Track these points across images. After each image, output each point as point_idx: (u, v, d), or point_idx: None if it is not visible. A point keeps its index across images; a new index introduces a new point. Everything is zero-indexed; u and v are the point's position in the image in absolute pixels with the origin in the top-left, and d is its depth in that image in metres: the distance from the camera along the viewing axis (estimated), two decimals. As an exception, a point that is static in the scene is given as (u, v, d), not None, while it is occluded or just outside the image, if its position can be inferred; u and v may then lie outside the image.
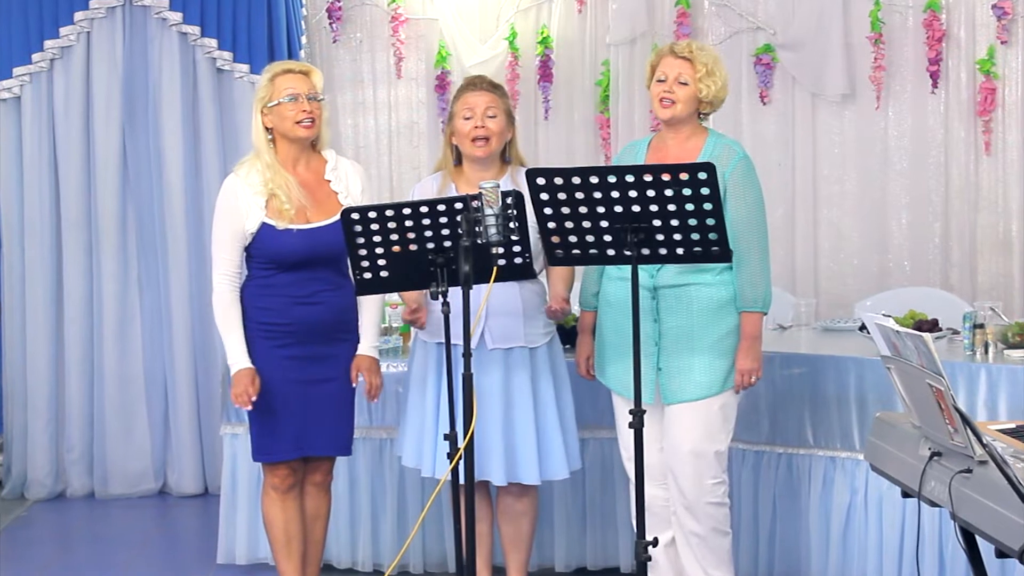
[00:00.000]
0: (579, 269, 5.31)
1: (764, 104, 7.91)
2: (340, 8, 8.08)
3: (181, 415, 7.78)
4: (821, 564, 5.71)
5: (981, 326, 5.59)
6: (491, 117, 5.21)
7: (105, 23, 7.69)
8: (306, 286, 5.08)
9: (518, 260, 4.72)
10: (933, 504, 3.83)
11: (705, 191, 4.38)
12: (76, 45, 7.67)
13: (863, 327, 5.88)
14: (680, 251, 4.51)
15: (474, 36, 8.17)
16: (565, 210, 4.49)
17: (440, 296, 4.60)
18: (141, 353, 7.81)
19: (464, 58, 8.05)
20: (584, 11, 8.13)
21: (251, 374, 5.04)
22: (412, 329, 5.68)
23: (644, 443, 4.71)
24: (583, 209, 4.48)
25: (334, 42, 8.16)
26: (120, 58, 7.70)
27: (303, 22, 7.97)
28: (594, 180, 4.43)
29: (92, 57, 7.70)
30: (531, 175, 4.48)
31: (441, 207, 4.58)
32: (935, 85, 7.59)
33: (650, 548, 4.50)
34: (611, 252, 4.55)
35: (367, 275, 4.71)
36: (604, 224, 4.48)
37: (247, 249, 5.11)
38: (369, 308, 5.21)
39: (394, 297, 5.84)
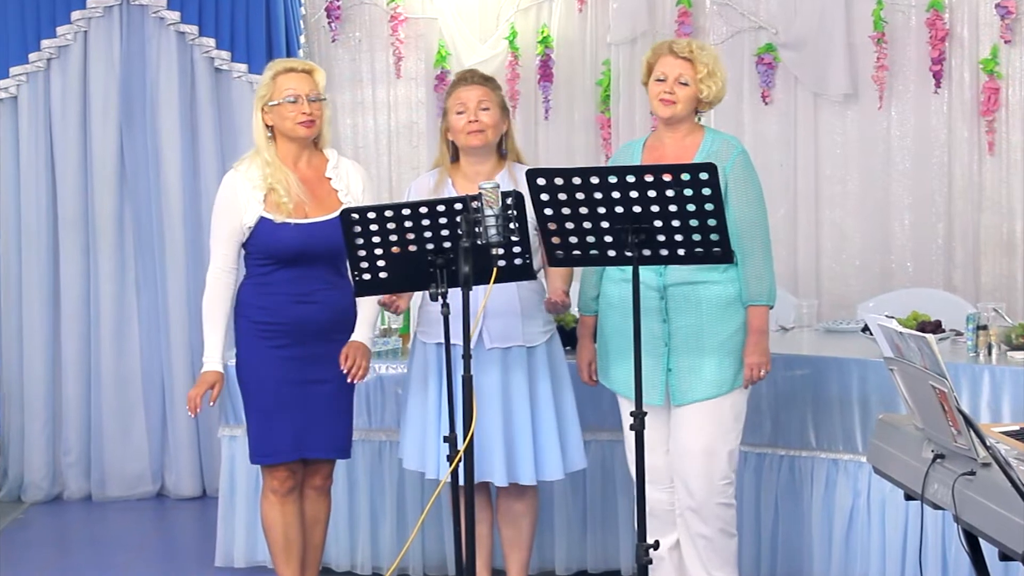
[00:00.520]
0: (577, 270, 5.29)
1: (766, 104, 7.89)
2: (339, 7, 8.06)
3: (179, 417, 7.76)
4: (823, 567, 5.71)
5: (984, 327, 5.59)
6: (484, 110, 5.20)
7: (102, 22, 7.67)
8: (303, 284, 5.07)
9: (518, 261, 4.70)
10: (936, 507, 3.82)
11: (706, 191, 4.37)
12: (73, 44, 7.66)
13: (866, 328, 5.93)
14: (681, 252, 4.50)
15: (474, 35, 8.16)
16: (565, 211, 4.48)
17: (440, 297, 4.59)
18: (139, 354, 7.79)
19: (464, 58, 8.03)
20: (584, 10, 8.13)
21: (215, 378, 5.08)
22: (412, 330, 5.70)
23: (650, 446, 4.77)
24: (583, 210, 4.46)
25: (333, 41, 8.14)
26: (117, 58, 7.69)
27: (302, 21, 7.96)
28: (595, 180, 4.42)
29: (89, 57, 7.69)
30: (531, 175, 4.46)
31: (441, 208, 4.57)
32: (938, 85, 7.57)
33: (651, 551, 4.48)
34: (612, 253, 4.54)
35: (366, 276, 4.69)
36: (605, 225, 4.47)
37: (244, 245, 5.10)
38: (366, 304, 5.19)
39: (392, 298, 5.83)
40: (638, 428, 4.47)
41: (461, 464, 4.51)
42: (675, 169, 4.40)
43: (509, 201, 4.45)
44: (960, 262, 7.65)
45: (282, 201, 5.03)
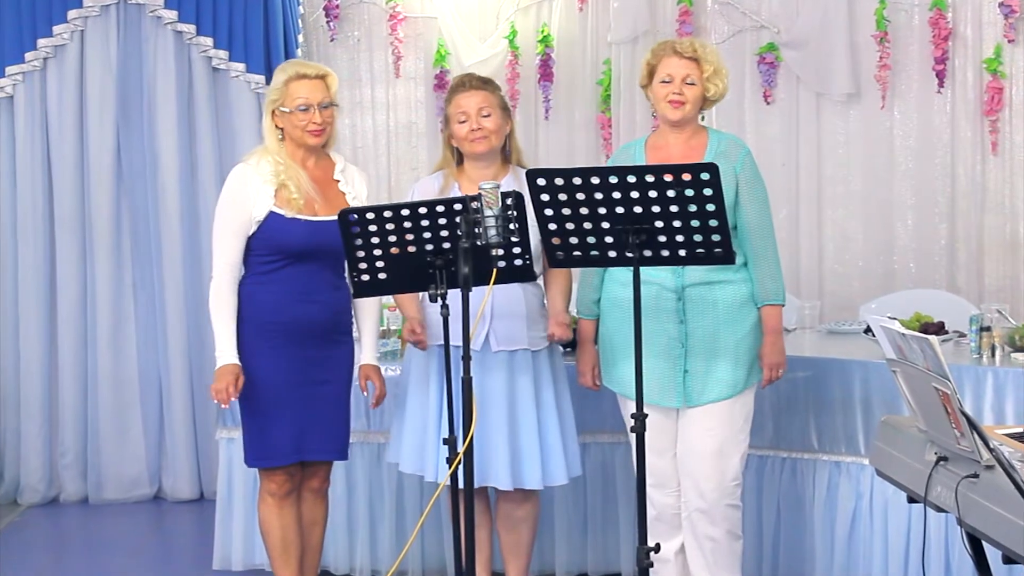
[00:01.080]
0: (576, 273, 5.27)
1: (768, 104, 7.89)
2: (337, 6, 8.05)
3: (176, 419, 7.74)
4: (825, 570, 5.71)
5: (988, 329, 5.58)
6: (486, 116, 5.18)
7: (99, 21, 7.64)
8: (307, 283, 5.04)
9: (518, 262, 4.69)
10: (939, 509, 3.83)
11: (708, 191, 4.36)
12: (70, 44, 7.63)
13: (868, 330, 5.92)
14: (682, 252, 4.49)
15: (473, 35, 8.15)
16: (566, 211, 4.47)
17: (439, 298, 4.58)
18: (136, 356, 7.77)
19: (463, 57, 8.03)
20: (585, 9, 8.12)
21: (236, 371, 4.98)
22: None
23: (659, 450, 4.86)
24: (584, 210, 4.45)
25: (331, 41, 8.13)
26: (114, 57, 7.66)
27: (300, 20, 7.95)
28: (595, 181, 4.40)
29: (86, 56, 7.66)
30: (531, 176, 4.45)
31: (440, 208, 4.56)
32: (941, 84, 7.57)
33: (652, 554, 4.46)
34: (612, 253, 4.52)
35: (365, 277, 4.68)
36: (605, 225, 4.46)
37: (249, 241, 5.06)
38: (369, 314, 5.23)
39: (391, 299, 5.81)
40: (639, 430, 4.46)
41: (461, 467, 4.49)
42: (676, 169, 4.38)
43: (509, 202, 4.43)
44: (963, 263, 7.66)
45: (293, 197, 5.01)
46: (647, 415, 4.47)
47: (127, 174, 7.70)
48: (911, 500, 4.06)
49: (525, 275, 4.77)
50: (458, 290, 4.43)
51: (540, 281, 5.26)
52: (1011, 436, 3.94)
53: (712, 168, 4.34)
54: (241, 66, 7.62)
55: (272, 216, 5.00)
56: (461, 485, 4.55)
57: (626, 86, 7.95)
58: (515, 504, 5.33)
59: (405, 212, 4.56)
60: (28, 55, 7.59)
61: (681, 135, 5.09)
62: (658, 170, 4.39)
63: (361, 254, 4.63)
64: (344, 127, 8.13)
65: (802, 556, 5.74)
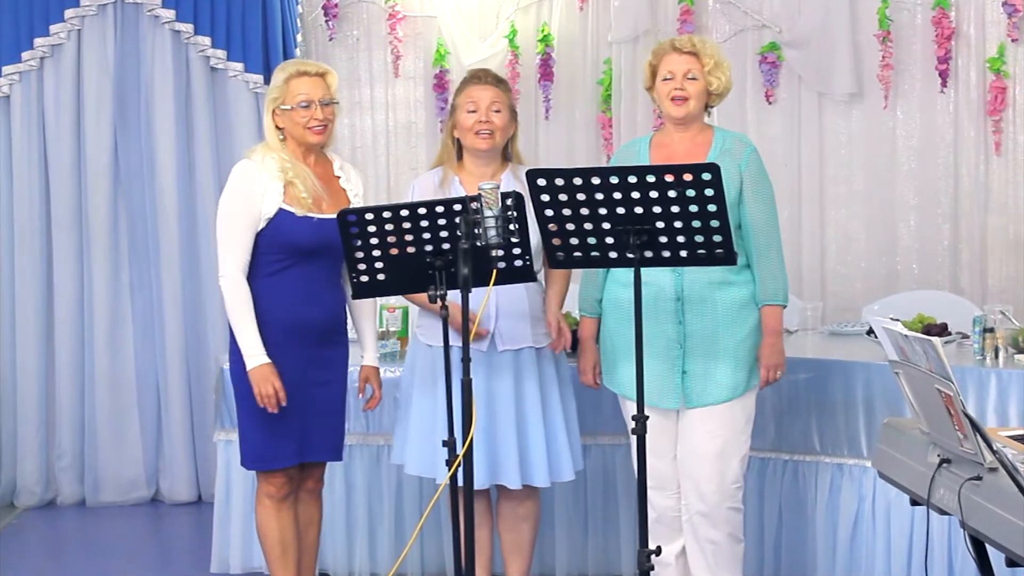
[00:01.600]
0: (576, 272, 5.25)
1: (769, 103, 7.89)
2: (336, 5, 8.04)
3: (174, 421, 7.72)
4: (827, 573, 5.71)
5: (991, 330, 5.59)
6: (496, 112, 5.18)
7: (96, 21, 7.62)
8: (308, 283, 5.02)
9: (518, 263, 4.67)
10: (942, 512, 3.83)
11: (709, 192, 4.35)
12: (67, 43, 7.61)
13: (871, 331, 5.93)
14: (683, 254, 4.48)
15: (473, 34, 8.15)
16: (566, 211, 4.46)
17: (439, 299, 4.57)
18: (133, 357, 7.75)
19: (463, 56, 8.02)
20: (585, 8, 8.11)
21: (272, 370, 4.93)
22: (411, 333, 5.70)
23: (659, 452, 4.85)
24: (584, 210, 4.44)
25: (330, 40, 8.11)
26: (112, 57, 7.64)
27: (299, 20, 7.93)
28: (596, 181, 4.39)
29: (83, 55, 7.64)
30: (531, 176, 4.44)
31: (440, 209, 4.54)
32: (944, 84, 7.57)
33: (653, 556, 4.45)
34: (613, 254, 4.52)
35: (364, 278, 4.67)
36: (606, 226, 4.45)
37: (255, 239, 5.00)
38: (367, 316, 5.22)
39: (390, 300, 5.79)
40: (640, 432, 4.44)
41: (461, 468, 4.48)
42: (677, 169, 4.37)
43: (509, 202, 4.42)
44: (966, 264, 7.66)
45: (301, 195, 4.98)
46: (647, 416, 4.46)
47: (124, 174, 7.68)
48: (914, 503, 4.06)
49: (525, 276, 4.75)
50: (458, 291, 4.41)
51: (541, 278, 5.25)
52: (1014, 438, 3.94)
53: (713, 168, 4.33)
54: (239, 66, 7.60)
55: (282, 213, 4.96)
56: (461, 486, 4.53)
57: (627, 86, 7.94)
58: (516, 503, 5.32)
59: (404, 212, 4.55)
60: (25, 54, 7.56)
61: (686, 133, 5.07)
62: (659, 170, 4.38)
63: (360, 255, 4.62)
64: (343, 127, 8.12)
65: (804, 559, 5.74)
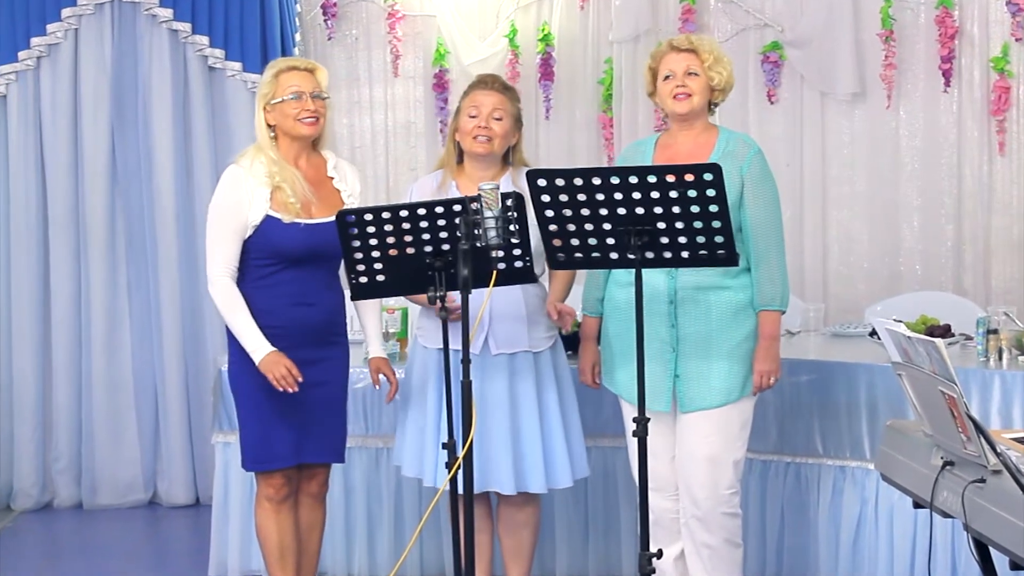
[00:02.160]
0: (581, 272, 5.23)
1: (771, 103, 7.89)
2: (335, 4, 8.06)
3: (172, 423, 7.71)
4: (830, 576, 5.72)
5: (995, 331, 5.57)
6: (497, 119, 5.17)
7: (93, 20, 7.62)
8: (303, 286, 5.01)
9: (518, 264, 4.67)
10: (945, 515, 3.82)
11: (711, 192, 4.33)
12: (63, 42, 7.60)
13: (873, 332, 5.92)
14: (685, 254, 4.47)
15: (473, 33, 8.16)
16: (567, 212, 4.44)
17: (438, 301, 4.57)
18: (130, 359, 7.74)
19: (463, 56, 8.03)
20: (586, 7, 8.12)
21: (279, 355, 4.90)
22: (410, 334, 5.73)
23: (656, 453, 4.78)
24: (585, 211, 4.43)
25: (329, 39, 8.13)
26: (109, 56, 7.63)
27: (297, 19, 7.93)
28: (596, 181, 4.38)
29: (80, 55, 7.63)
30: (532, 176, 4.43)
31: (439, 209, 4.53)
32: (948, 84, 7.56)
33: (654, 560, 4.45)
34: (614, 255, 4.50)
35: (363, 279, 4.66)
36: (607, 227, 4.44)
37: (244, 245, 5.01)
38: (370, 311, 5.22)
39: (390, 302, 5.77)
40: (641, 434, 4.44)
41: (461, 471, 4.46)
42: (679, 170, 4.36)
43: (509, 203, 4.41)
44: (970, 265, 7.65)
45: (289, 201, 4.97)
46: (649, 419, 4.46)
47: (122, 174, 7.67)
48: (917, 505, 4.06)
49: (525, 277, 4.74)
50: (457, 292, 4.40)
51: (544, 281, 5.23)
52: (1018, 440, 3.93)
53: (715, 168, 4.31)
54: (237, 65, 7.59)
55: (269, 220, 4.96)
56: (461, 490, 4.51)
57: (628, 85, 7.95)
58: (516, 508, 5.30)
59: (404, 213, 4.54)
60: (21, 54, 7.55)
61: (690, 132, 5.05)
62: (660, 170, 4.37)
63: (359, 256, 4.61)
64: (342, 127, 8.18)
65: (806, 562, 5.72)
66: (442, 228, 4.54)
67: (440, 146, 7.31)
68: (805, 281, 7.80)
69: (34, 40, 7.54)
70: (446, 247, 4.55)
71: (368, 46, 8.19)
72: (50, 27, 7.54)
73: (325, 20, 8.04)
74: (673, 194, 4.32)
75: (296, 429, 5.04)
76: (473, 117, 5.15)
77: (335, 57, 8.15)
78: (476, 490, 4.94)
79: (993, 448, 3.51)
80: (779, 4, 7.84)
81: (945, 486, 3.75)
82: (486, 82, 5.27)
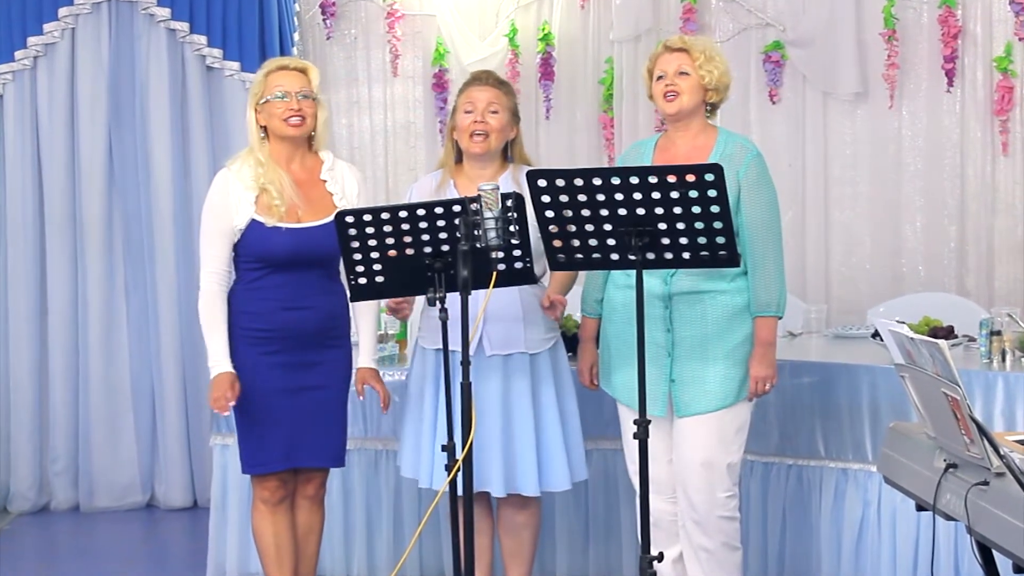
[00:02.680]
0: (581, 273, 5.20)
1: (773, 103, 7.88)
2: (334, 4, 8.06)
3: (169, 425, 7.71)
4: (832, 580, 5.72)
5: (998, 333, 5.58)
6: (493, 113, 5.16)
7: (91, 19, 7.62)
8: (296, 289, 5.00)
9: (518, 265, 4.64)
10: (948, 517, 3.83)
11: (712, 193, 4.31)
12: (60, 42, 7.60)
13: (876, 334, 5.93)
14: (686, 255, 4.44)
15: (473, 33, 8.17)
16: (567, 213, 4.42)
17: (438, 302, 4.53)
18: (128, 361, 7.74)
19: (463, 56, 8.05)
20: (587, 7, 8.14)
21: (231, 378, 4.97)
22: (410, 336, 5.73)
23: (653, 456, 4.73)
24: (586, 212, 4.41)
25: (328, 39, 8.14)
26: (106, 56, 7.63)
27: (296, 18, 7.94)
28: (597, 182, 4.36)
29: (77, 54, 7.63)
30: (532, 176, 4.41)
31: (439, 210, 4.51)
32: (950, 83, 7.54)
33: (655, 563, 4.43)
34: (615, 256, 4.48)
35: (362, 280, 4.64)
36: (607, 227, 4.42)
37: (235, 248, 5.04)
38: (366, 317, 5.19)
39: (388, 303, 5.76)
40: (641, 436, 4.42)
41: (460, 473, 4.45)
42: (680, 170, 4.34)
43: (509, 203, 4.39)
44: (973, 266, 7.64)
45: (274, 204, 4.97)
46: (649, 421, 4.44)
47: (119, 174, 7.67)
48: (920, 508, 4.07)
49: (526, 278, 4.72)
50: (457, 293, 4.38)
51: (545, 281, 5.21)
52: (1022, 442, 3.91)
53: (716, 169, 4.29)
54: (235, 65, 7.59)
55: (253, 225, 4.97)
56: (461, 491, 4.50)
57: (628, 85, 7.95)
58: (515, 510, 5.29)
59: (403, 214, 4.52)
60: (18, 53, 7.56)
61: (687, 133, 5.03)
62: (661, 171, 4.34)
63: (358, 256, 4.58)
64: (341, 127, 8.19)
65: (808, 565, 5.72)
66: (442, 229, 4.51)
67: (439, 146, 7.30)
68: (807, 282, 7.80)
69: (31, 39, 7.54)
70: (446, 248, 4.52)
71: (367, 46, 8.20)
72: (47, 26, 7.54)
73: (324, 19, 8.04)
74: (674, 194, 4.30)
75: (289, 433, 5.04)
76: (469, 113, 5.14)
77: (334, 57, 8.16)
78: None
79: (996, 450, 3.50)
80: (781, 3, 7.84)
81: (948, 489, 3.75)
82: (480, 78, 5.27)
